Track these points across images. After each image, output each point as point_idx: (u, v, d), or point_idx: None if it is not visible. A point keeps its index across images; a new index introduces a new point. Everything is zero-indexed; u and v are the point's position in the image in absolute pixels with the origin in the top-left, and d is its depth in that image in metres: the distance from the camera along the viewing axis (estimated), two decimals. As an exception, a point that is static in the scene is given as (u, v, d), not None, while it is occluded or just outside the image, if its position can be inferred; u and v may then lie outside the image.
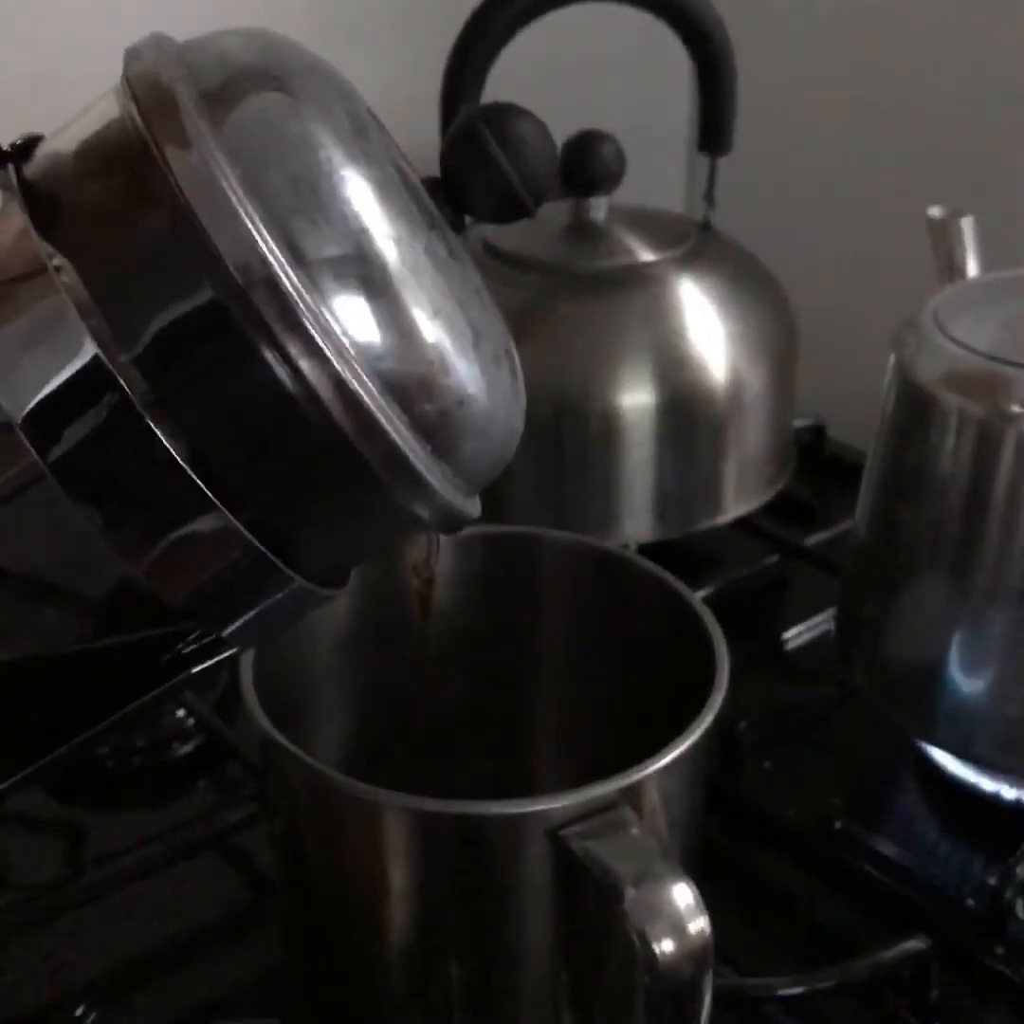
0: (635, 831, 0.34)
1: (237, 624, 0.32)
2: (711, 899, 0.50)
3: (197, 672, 0.33)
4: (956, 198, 0.58)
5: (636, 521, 0.67)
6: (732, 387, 0.66)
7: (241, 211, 0.28)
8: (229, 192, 0.28)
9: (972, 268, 0.57)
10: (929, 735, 0.55)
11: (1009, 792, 0.55)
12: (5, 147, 0.32)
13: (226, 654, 0.33)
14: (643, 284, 0.66)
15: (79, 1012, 0.47)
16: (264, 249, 0.28)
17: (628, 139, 0.68)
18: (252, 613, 0.32)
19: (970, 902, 0.51)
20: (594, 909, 0.34)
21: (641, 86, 0.80)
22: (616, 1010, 0.38)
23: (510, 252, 0.67)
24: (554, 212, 0.69)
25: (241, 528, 0.30)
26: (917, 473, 0.52)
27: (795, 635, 0.66)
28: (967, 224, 0.57)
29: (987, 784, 0.55)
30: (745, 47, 0.68)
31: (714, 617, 0.41)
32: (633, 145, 0.68)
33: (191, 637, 0.32)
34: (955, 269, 0.57)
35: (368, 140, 0.31)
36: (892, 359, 0.53)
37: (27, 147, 0.32)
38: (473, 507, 0.33)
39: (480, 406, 0.31)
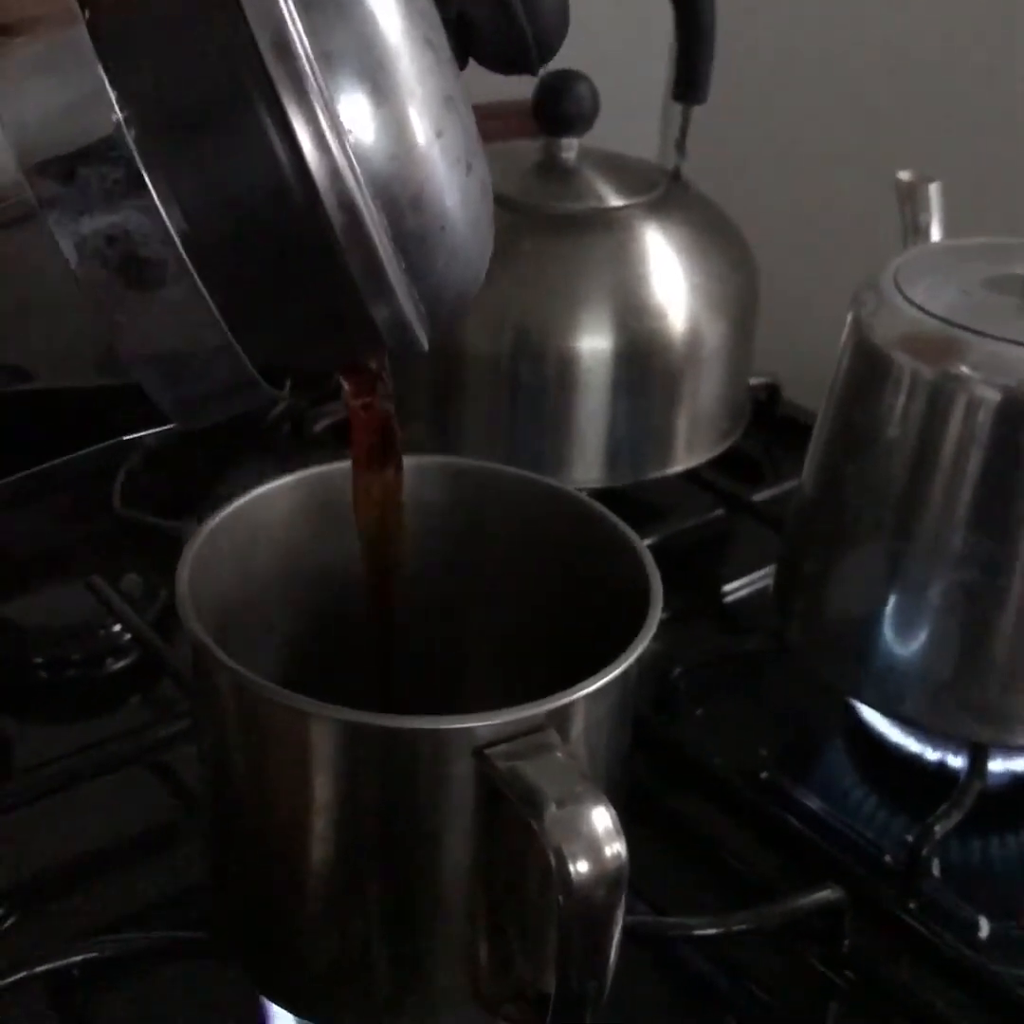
0: (559, 754, 0.34)
1: (176, 394, 0.32)
2: (637, 840, 0.51)
3: (128, 439, 0.33)
4: (925, 162, 0.59)
5: (586, 466, 0.67)
6: (691, 338, 0.66)
7: None
8: None
9: (936, 233, 0.58)
10: (859, 693, 0.56)
11: (933, 753, 0.56)
12: None
13: (156, 430, 0.33)
14: (609, 229, 0.66)
15: (-1, 913, 0.47)
16: (288, 21, 0.28)
17: (606, 84, 0.67)
18: (195, 388, 0.32)
19: (887, 858, 0.52)
20: (515, 830, 0.34)
21: (623, 32, 0.80)
22: (533, 932, 0.39)
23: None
24: (525, 150, 0.69)
25: (209, 300, 0.30)
26: (866, 432, 0.52)
27: (736, 588, 0.66)
28: (934, 189, 0.58)
29: (913, 744, 0.56)
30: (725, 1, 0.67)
31: (652, 558, 0.41)
32: (612, 90, 0.68)
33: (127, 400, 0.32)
34: (920, 233, 0.57)
35: None
36: (850, 317, 0.53)
37: None
38: (425, 339, 0.33)
39: (459, 236, 0.31)
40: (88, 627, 0.61)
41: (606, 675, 0.36)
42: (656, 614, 0.39)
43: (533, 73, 0.35)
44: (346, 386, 0.38)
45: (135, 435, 0.35)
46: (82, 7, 0.29)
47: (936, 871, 0.52)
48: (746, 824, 0.54)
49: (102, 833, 0.52)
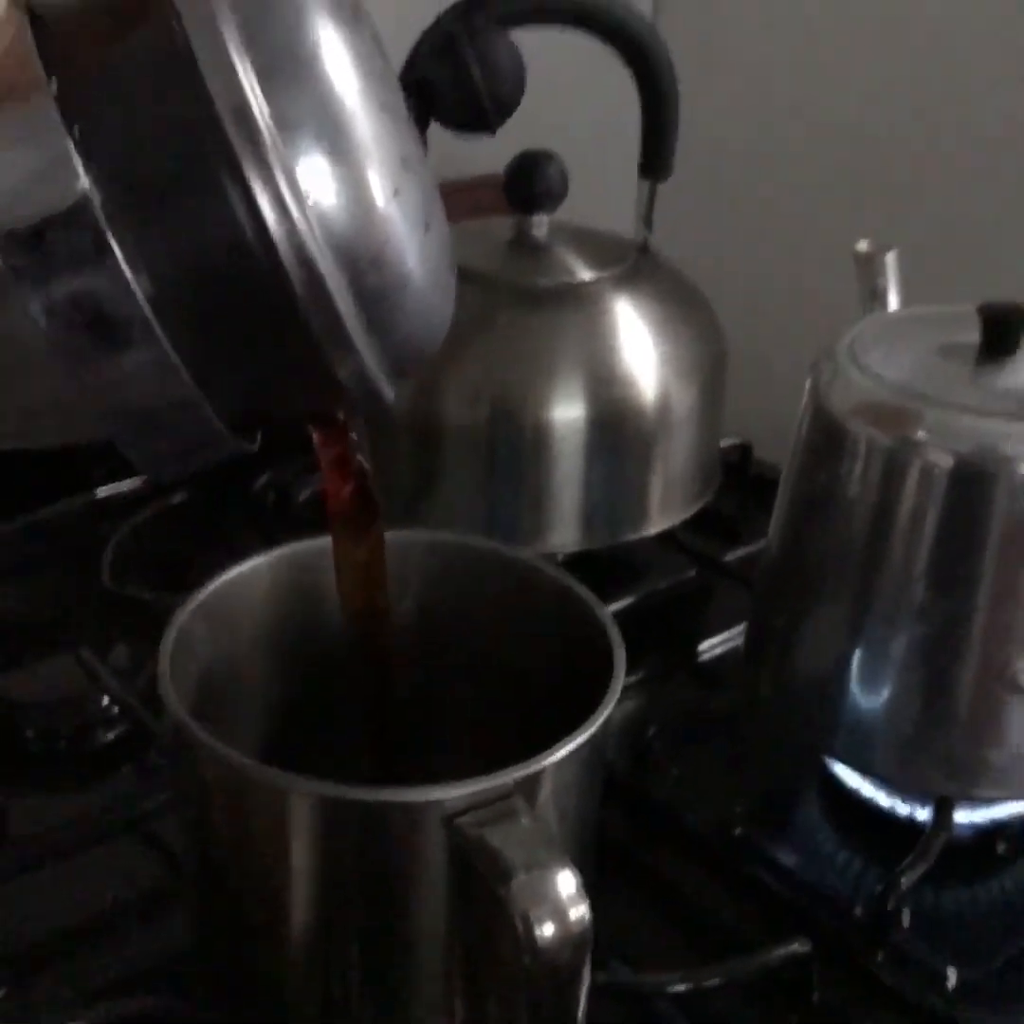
0: (525, 821, 0.36)
1: (146, 449, 0.33)
2: (613, 897, 0.52)
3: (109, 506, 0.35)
4: (882, 233, 0.61)
5: (564, 530, 0.69)
6: (661, 404, 0.68)
7: (232, 51, 0.30)
8: (224, 30, 0.30)
9: (893, 300, 0.60)
10: (829, 748, 0.57)
11: (903, 806, 0.57)
12: None
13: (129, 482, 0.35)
14: (580, 301, 0.68)
15: (-9, 986, 0.48)
16: (247, 89, 0.30)
17: (583, 159, 0.70)
18: (163, 441, 0.33)
19: (858, 910, 0.54)
20: (485, 895, 0.36)
21: (595, 110, 0.83)
22: (506, 993, 0.40)
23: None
24: (498, 227, 0.71)
25: (175, 358, 0.31)
26: (826, 496, 0.54)
27: (710, 646, 0.68)
28: (891, 258, 0.60)
29: (883, 798, 0.58)
30: (689, 79, 0.70)
31: (615, 623, 0.43)
32: (588, 166, 0.70)
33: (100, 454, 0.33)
34: (878, 300, 0.60)
35: (359, 21, 0.33)
36: (808, 385, 0.55)
37: None
38: (390, 391, 0.35)
39: (419, 292, 0.33)
40: (78, 699, 0.62)
41: (570, 743, 0.38)
42: (618, 684, 0.40)
43: (491, 132, 0.37)
44: (316, 438, 0.40)
45: (109, 488, 0.36)
46: (49, 78, 0.31)
47: (906, 922, 0.53)
48: (721, 880, 0.55)
49: (93, 902, 0.53)
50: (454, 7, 0.35)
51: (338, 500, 0.41)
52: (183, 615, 0.43)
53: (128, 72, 0.31)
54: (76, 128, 0.30)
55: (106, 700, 0.62)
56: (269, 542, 0.49)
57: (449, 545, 0.49)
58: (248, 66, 0.30)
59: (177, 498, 0.75)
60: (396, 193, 0.32)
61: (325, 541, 0.45)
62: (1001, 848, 0.57)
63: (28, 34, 0.31)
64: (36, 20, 0.31)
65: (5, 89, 0.31)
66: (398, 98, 0.33)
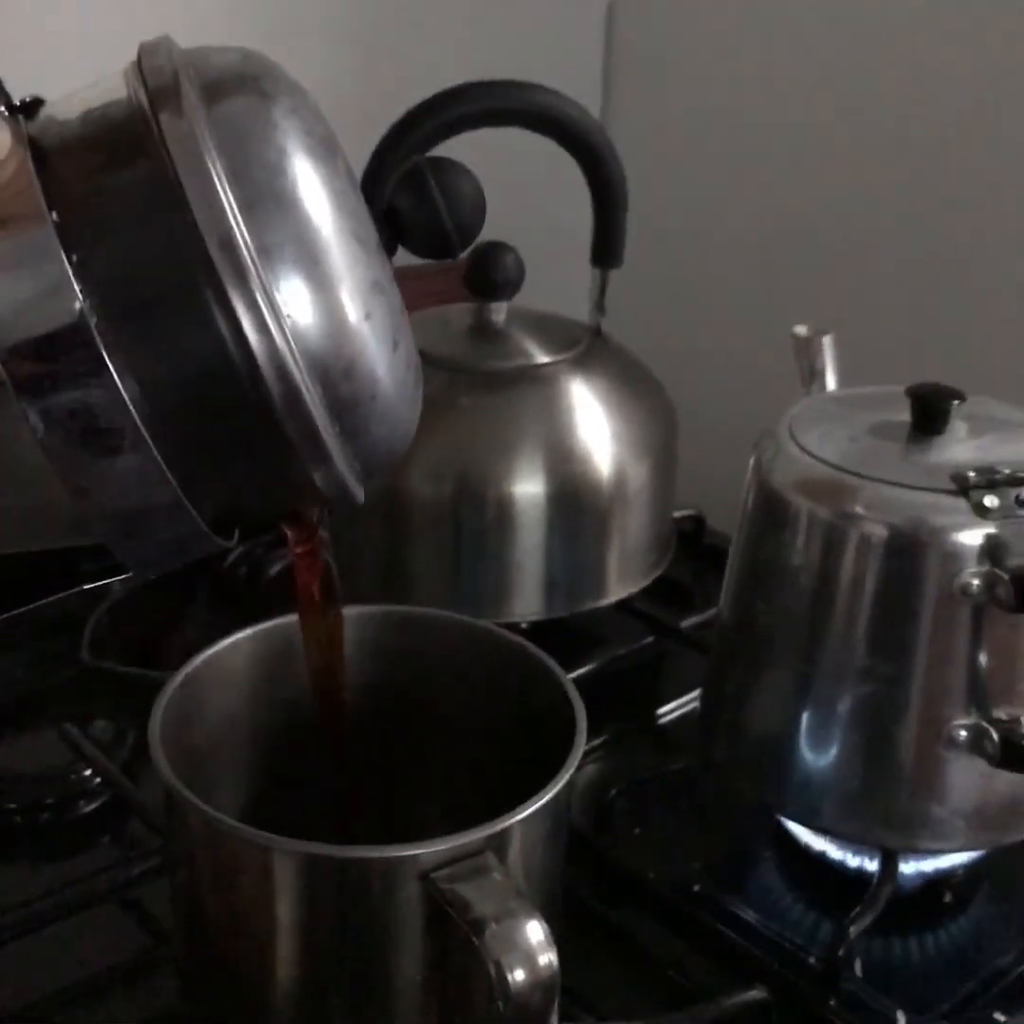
0: (497, 875, 0.39)
1: (134, 548, 0.36)
2: (579, 953, 0.54)
3: (93, 590, 0.38)
4: (818, 318, 0.65)
5: (526, 600, 0.72)
6: (616, 479, 0.72)
7: (218, 184, 0.33)
8: (211, 166, 0.33)
9: (831, 380, 0.64)
10: (781, 806, 0.60)
11: (853, 860, 0.60)
12: (16, 102, 0.36)
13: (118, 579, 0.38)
14: (537, 383, 0.72)
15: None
16: (232, 222, 0.33)
17: (537, 250, 0.74)
18: (150, 541, 0.36)
19: (812, 959, 0.56)
20: (459, 944, 0.38)
21: (549, 203, 0.87)
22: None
23: (417, 350, 0.72)
24: (459, 314, 0.75)
25: (163, 465, 0.34)
26: (771, 567, 0.57)
27: (669, 710, 0.71)
28: (827, 341, 0.64)
29: (834, 852, 0.61)
30: (637, 173, 0.74)
31: (576, 689, 0.46)
32: (540, 256, 0.74)
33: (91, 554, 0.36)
34: (816, 379, 0.64)
35: (335, 159, 0.37)
36: (751, 463, 0.59)
37: (33, 106, 0.37)
38: (361, 492, 0.38)
39: (388, 403, 0.37)
40: (60, 772, 0.64)
41: (536, 801, 0.41)
42: (580, 745, 0.43)
43: (453, 258, 0.41)
44: (289, 534, 0.43)
45: (97, 584, 0.39)
46: (50, 208, 0.34)
47: (859, 969, 0.56)
48: (682, 934, 0.58)
49: (78, 968, 0.55)
50: (429, 158, 0.39)
51: (306, 588, 0.45)
52: (172, 687, 0.46)
53: (122, 204, 0.34)
54: (74, 255, 0.33)
55: (88, 772, 0.64)
56: (242, 616, 0.51)
57: (417, 617, 0.52)
58: (233, 200, 0.33)
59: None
60: (367, 316, 0.35)
61: (297, 618, 0.48)
62: (947, 897, 0.60)
63: (30, 167, 0.34)
64: (38, 154, 0.35)
65: (7, 217, 0.34)
66: (369, 229, 0.37)
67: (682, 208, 0.98)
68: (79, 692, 0.71)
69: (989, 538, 0.52)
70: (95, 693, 0.70)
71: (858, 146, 0.92)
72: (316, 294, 0.34)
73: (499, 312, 0.74)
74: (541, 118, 0.70)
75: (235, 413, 0.35)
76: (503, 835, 0.40)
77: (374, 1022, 0.42)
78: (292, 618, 0.48)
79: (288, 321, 0.34)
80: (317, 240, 0.35)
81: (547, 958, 0.37)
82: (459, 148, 0.70)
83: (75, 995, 0.54)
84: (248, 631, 0.50)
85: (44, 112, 0.37)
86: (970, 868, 0.60)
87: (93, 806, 0.63)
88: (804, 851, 0.61)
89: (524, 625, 0.71)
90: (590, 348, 0.74)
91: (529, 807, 0.41)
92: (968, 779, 0.55)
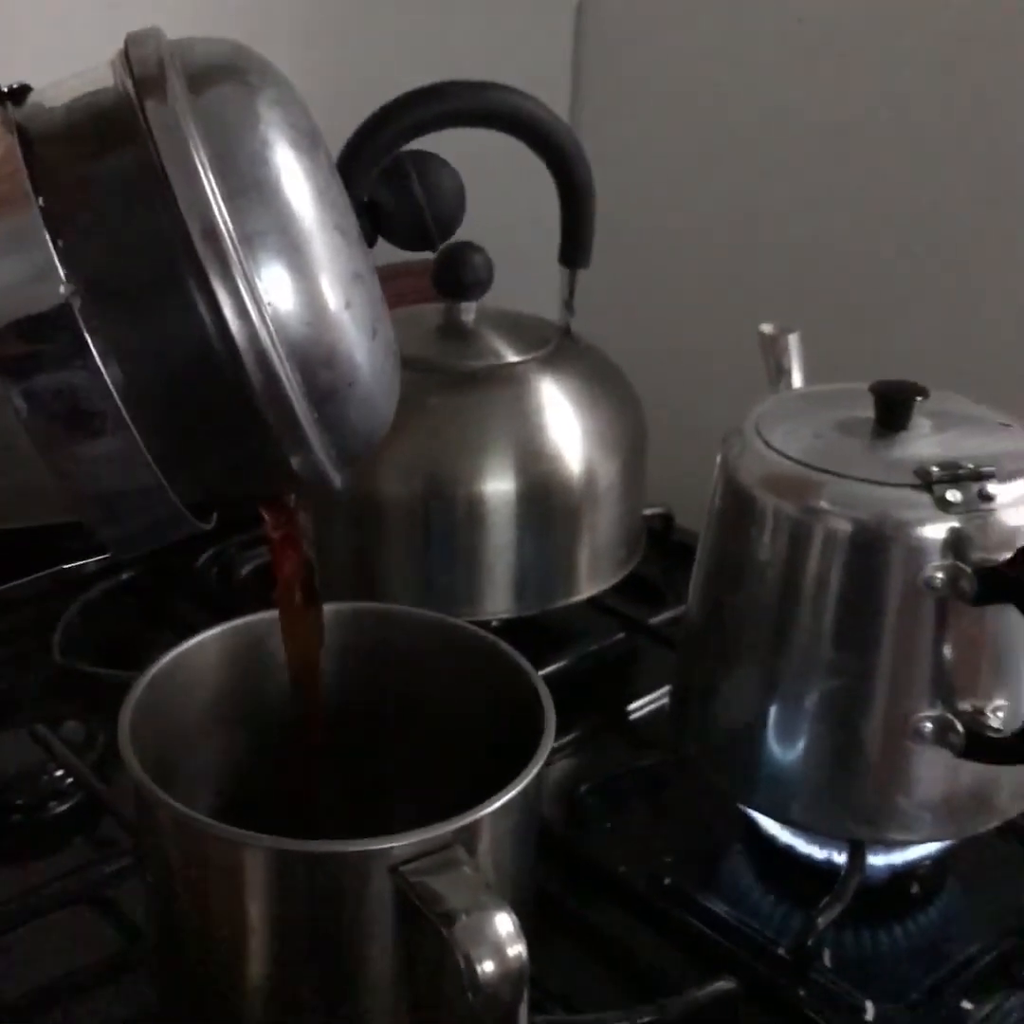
0: (466, 868, 0.39)
1: (114, 528, 0.36)
2: (551, 947, 0.55)
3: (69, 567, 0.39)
4: (785, 317, 0.66)
5: (497, 598, 0.72)
6: (586, 478, 0.72)
7: (201, 172, 0.34)
8: (195, 154, 0.34)
9: (797, 378, 0.64)
10: (749, 800, 0.61)
11: (821, 852, 0.61)
12: (3, 88, 0.37)
13: (95, 559, 0.38)
14: (507, 382, 0.72)
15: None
16: (215, 210, 0.34)
17: (506, 250, 0.74)
18: (129, 522, 0.36)
19: (781, 950, 0.57)
20: (430, 937, 0.39)
21: (518, 203, 0.87)
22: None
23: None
24: (428, 314, 0.75)
25: (143, 448, 0.35)
26: (738, 562, 0.58)
27: (639, 707, 0.72)
28: (793, 339, 0.64)
29: (802, 845, 0.61)
30: (606, 173, 0.75)
31: (546, 685, 0.47)
32: (510, 256, 0.75)
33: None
34: (783, 376, 0.64)
35: (318, 152, 0.37)
36: (718, 460, 0.59)
37: (20, 93, 0.37)
38: (339, 478, 0.38)
39: (366, 390, 0.37)
40: (31, 773, 0.64)
41: (505, 795, 0.41)
42: (549, 739, 0.44)
43: (433, 251, 0.41)
44: (267, 519, 0.44)
45: (73, 565, 0.40)
46: (36, 194, 0.34)
47: (827, 960, 0.57)
48: (653, 927, 0.58)
49: (52, 968, 0.55)
50: (410, 152, 0.40)
51: (285, 575, 0.45)
52: (141, 685, 0.46)
53: (108, 190, 0.35)
54: (59, 240, 0.34)
55: (60, 772, 0.64)
56: (213, 615, 0.52)
57: (387, 614, 0.53)
58: (216, 188, 0.34)
59: (124, 575, 0.78)
60: (347, 305, 0.36)
61: (267, 615, 0.49)
62: (915, 889, 0.61)
63: (17, 153, 0.34)
64: (24, 140, 0.35)
65: None
66: (351, 220, 0.37)
67: (651, 208, 0.98)
68: (50, 693, 0.71)
69: (952, 532, 0.53)
70: (66, 694, 0.70)
71: (826, 146, 0.92)
72: (297, 283, 0.35)
73: (468, 312, 0.74)
74: (509, 119, 0.70)
75: (215, 398, 0.35)
76: (472, 828, 0.41)
77: (345, 1015, 0.42)
78: (261, 615, 0.49)
79: (269, 309, 0.34)
80: (299, 230, 0.35)
81: (516, 950, 0.38)
82: (430, 145, 0.71)
83: (48, 996, 0.54)
84: (216, 629, 0.50)
85: (31, 99, 0.37)
86: (937, 860, 0.61)
87: (65, 807, 0.63)
88: (773, 844, 0.62)
89: (495, 623, 0.72)
90: (559, 347, 0.75)
91: (498, 800, 0.41)
92: (934, 771, 0.56)
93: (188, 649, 0.49)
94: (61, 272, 0.34)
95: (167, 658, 0.48)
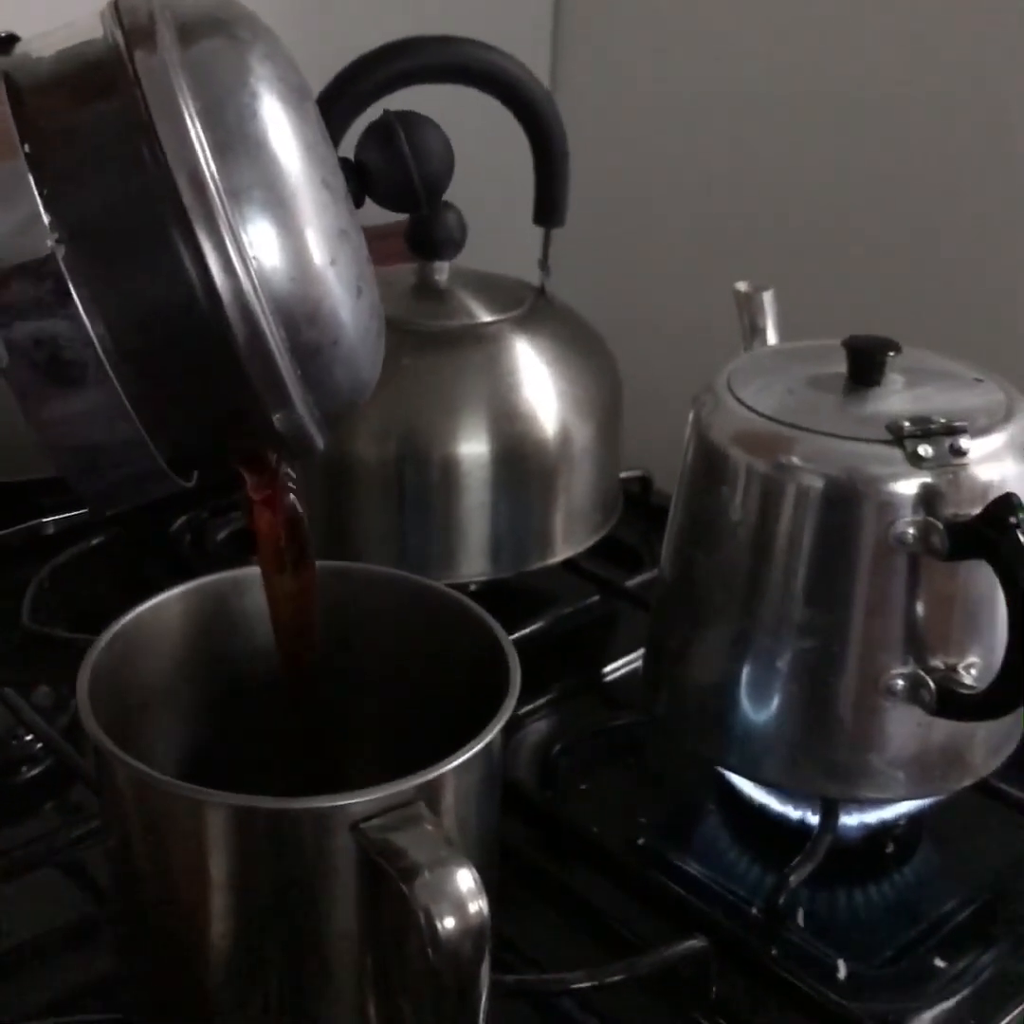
0: (428, 825, 0.39)
1: (92, 483, 0.36)
2: (523, 908, 0.55)
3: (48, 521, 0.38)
4: (761, 274, 0.65)
5: (472, 561, 0.72)
6: (561, 439, 0.72)
7: (190, 124, 0.33)
8: (184, 105, 0.33)
9: (772, 336, 0.64)
10: (723, 760, 0.60)
11: (795, 812, 0.61)
12: None
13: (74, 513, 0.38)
14: (481, 342, 0.72)
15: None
16: (203, 162, 0.33)
17: (480, 209, 0.73)
18: (108, 477, 0.36)
19: (754, 910, 0.57)
20: (391, 894, 0.38)
21: (492, 161, 0.87)
22: (414, 990, 0.42)
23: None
24: (402, 274, 0.75)
25: (124, 400, 0.34)
26: (710, 521, 0.58)
27: (614, 669, 0.71)
28: (768, 297, 0.64)
29: (776, 804, 0.61)
30: (582, 132, 0.74)
31: (512, 643, 0.46)
32: (484, 215, 0.74)
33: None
34: (757, 335, 0.64)
35: (306, 107, 0.37)
36: (690, 417, 0.59)
37: (7, 42, 0.37)
38: (320, 438, 0.38)
39: (350, 349, 0.37)
40: (1, 738, 0.64)
41: (467, 751, 0.41)
42: (513, 695, 0.43)
43: (420, 213, 0.41)
44: (247, 478, 0.43)
45: (50, 519, 0.39)
46: (23, 141, 0.34)
47: (800, 920, 0.57)
48: (626, 888, 0.58)
49: (21, 930, 0.55)
50: (399, 112, 0.39)
51: (267, 536, 0.44)
52: (100, 645, 0.45)
53: (95, 140, 0.34)
54: (45, 188, 0.33)
55: (29, 737, 0.63)
56: (186, 581, 0.51)
57: (360, 574, 0.52)
58: (205, 140, 0.33)
59: (96, 540, 0.77)
60: (333, 262, 0.35)
61: (230, 574, 0.48)
62: (889, 848, 0.61)
63: (4, 101, 0.34)
64: (11, 88, 0.34)
65: None
66: (338, 177, 0.37)
67: (627, 168, 0.97)
68: (20, 658, 0.70)
69: (924, 487, 0.52)
70: (36, 659, 0.70)
71: (797, 106, 0.92)
72: (283, 238, 0.35)
73: (442, 272, 0.74)
74: (482, 75, 0.70)
75: (198, 352, 0.35)
76: (434, 785, 0.40)
77: (309, 973, 0.42)
78: (224, 574, 0.48)
79: (254, 263, 0.34)
80: (286, 185, 0.35)
81: (477, 906, 0.37)
82: (405, 102, 0.70)
83: (18, 958, 0.54)
84: (179, 588, 0.49)
85: (19, 48, 0.37)
86: (911, 818, 0.60)
87: (35, 772, 0.63)
88: (747, 804, 0.62)
89: (473, 587, 0.71)
90: (534, 308, 0.74)
91: (460, 757, 0.41)
92: (906, 729, 0.55)
93: (150, 608, 0.48)
94: (46, 220, 0.33)
95: (129, 616, 0.47)
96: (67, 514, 0.68)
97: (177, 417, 0.36)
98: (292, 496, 0.44)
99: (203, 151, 0.33)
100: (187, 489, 0.40)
